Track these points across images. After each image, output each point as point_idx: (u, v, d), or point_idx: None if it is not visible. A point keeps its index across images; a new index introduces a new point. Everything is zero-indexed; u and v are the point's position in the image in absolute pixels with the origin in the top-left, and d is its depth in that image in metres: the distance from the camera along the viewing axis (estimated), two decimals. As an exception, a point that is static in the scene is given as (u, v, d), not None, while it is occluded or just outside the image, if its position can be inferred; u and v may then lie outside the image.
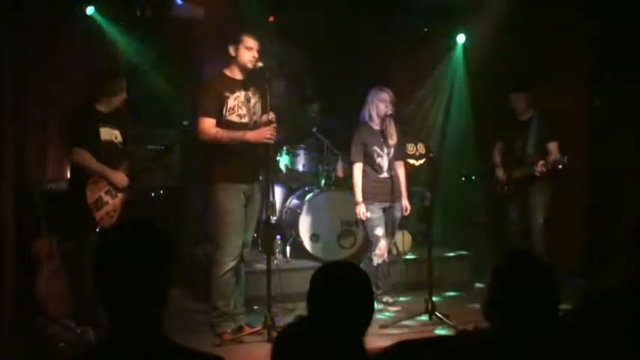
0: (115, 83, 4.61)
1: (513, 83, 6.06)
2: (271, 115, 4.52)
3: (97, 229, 4.40)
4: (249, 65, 4.50)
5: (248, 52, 4.48)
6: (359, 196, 5.31)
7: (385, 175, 5.37)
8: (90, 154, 4.45)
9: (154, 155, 5.64)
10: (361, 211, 5.29)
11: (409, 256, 6.35)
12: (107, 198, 4.51)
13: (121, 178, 4.56)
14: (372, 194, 5.33)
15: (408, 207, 5.46)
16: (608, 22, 6.15)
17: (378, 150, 5.35)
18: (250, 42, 4.49)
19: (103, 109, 4.59)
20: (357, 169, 5.35)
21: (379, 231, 5.29)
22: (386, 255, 5.35)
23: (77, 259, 4.44)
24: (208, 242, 5.97)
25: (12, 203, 4.04)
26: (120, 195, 4.58)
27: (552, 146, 5.75)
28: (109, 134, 4.58)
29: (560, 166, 5.48)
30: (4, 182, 4.03)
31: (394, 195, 5.36)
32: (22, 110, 5.08)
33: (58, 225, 4.73)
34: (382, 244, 5.28)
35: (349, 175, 5.62)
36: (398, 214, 5.44)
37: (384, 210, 5.37)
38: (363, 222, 5.40)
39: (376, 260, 5.28)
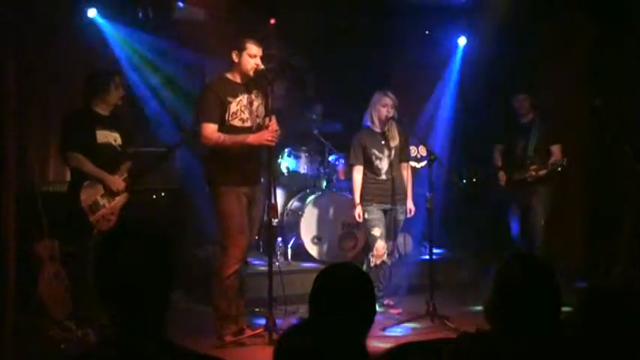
0: (106, 81, 4.59)
1: (517, 85, 6.07)
2: (272, 122, 4.52)
3: (94, 232, 4.41)
4: (251, 72, 4.50)
5: (251, 59, 4.48)
6: (357, 198, 5.34)
7: (384, 177, 5.36)
8: (84, 158, 4.47)
9: (156, 157, 5.64)
10: (358, 212, 5.31)
11: (410, 259, 6.36)
12: (103, 201, 4.51)
13: (116, 182, 4.57)
14: (371, 195, 5.33)
15: (413, 209, 5.43)
16: (607, 24, 6.15)
17: (377, 152, 5.35)
18: (254, 49, 4.48)
19: (101, 110, 4.59)
20: (356, 171, 5.37)
21: (376, 231, 5.28)
22: (385, 257, 5.33)
23: (77, 261, 4.45)
24: (209, 244, 5.98)
25: (13, 205, 4.03)
26: (118, 198, 4.58)
27: (555, 149, 5.76)
28: (107, 137, 4.58)
29: (559, 169, 5.50)
30: (5, 184, 4.02)
31: (395, 197, 5.35)
32: (24, 112, 5.08)
33: (59, 227, 4.73)
34: (379, 245, 5.25)
35: (350, 177, 5.62)
36: (401, 217, 5.41)
37: (385, 212, 5.37)
38: (362, 223, 5.40)
39: (373, 261, 5.27)
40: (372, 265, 5.25)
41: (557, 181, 5.82)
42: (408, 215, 5.44)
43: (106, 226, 4.45)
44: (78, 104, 5.09)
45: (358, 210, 5.32)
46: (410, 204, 5.42)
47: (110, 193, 4.54)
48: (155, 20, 6.32)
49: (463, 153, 7.28)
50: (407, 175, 5.44)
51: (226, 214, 4.49)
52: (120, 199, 4.60)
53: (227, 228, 4.49)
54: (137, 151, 5.18)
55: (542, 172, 5.64)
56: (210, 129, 4.44)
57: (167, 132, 6.35)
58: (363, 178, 5.36)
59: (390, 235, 5.41)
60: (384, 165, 5.36)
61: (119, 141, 4.65)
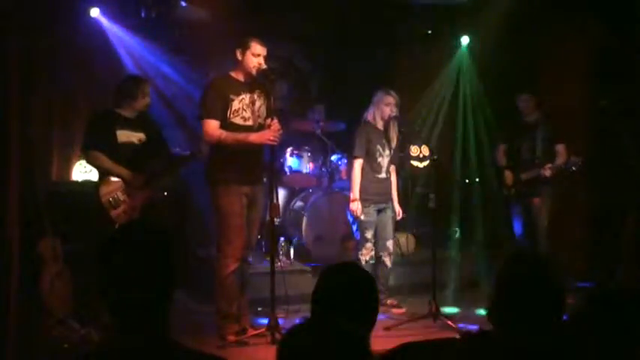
0: (136, 87, 4.70)
1: (521, 85, 6.06)
2: (274, 122, 4.51)
3: (116, 228, 4.45)
4: (253, 71, 4.50)
5: (254, 58, 4.48)
6: (356, 193, 5.28)
7: (383, 175, 5.38)
8: (102, 155, 4.56)
9: (178, 160, 5.70)
10: (357, 207, 5.27)
11: (413, 258, 6.35)
12: (124, 197, 4.58)
13: (134, 178, 4.62)
14: (370, 195, 5.32)
15: (401, 211, 5.49)
16: (613, 22, 6.14)
17: (381, 149, 5.35)
18: (258, 48, 4.48)
19: (126, 113, 4.67)
20: (358, 164, 5.32)
21: (369, 234, 5.32)
22: (387, 259, 5.37)
23: (87, 257, 4.46)
24: (210, 243, 5.98)
25: (16, 204, 4.04)
26: (140, 194, 4.64)
27: (560, 148, 5.75)
28: (129, 136, 4.66)
29: (574, 168, 5.47)
30: (8, 182, 4.03)
31: (390, 196, 5.41)
32: (28, 110, 5.09)
33: (72, 224, 4.78)
34: (368, 245, 5.31)
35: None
36: (394, 215, 5.46)
37: (379, 211, 5.38)
38: (359, 221, 5.37)
39: (363, 259, 5.29)
40: (364, 263, 5.27)
41: (561, 181, 5.81)
42: (398, 218, 5.49)
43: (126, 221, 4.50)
44: (81, 103, 5.13)
45: (357, 205, 5.27)
46: (397, 207, 5.46)
47: (131, 189, 4.60)
48: (158, 20, 6.33)
49: (466, 152, 7.27)
50: (394, 178, 5.51)
51: (225, 213, 4.49)
52: (141, 195, 4.65)
53: (224, 227, 4.49)
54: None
55: (557, 171, 5.61)
56: (213, 125, 4.44)
57: (169, 132, 6.35)
58: (363, 175, 5.33)
59: (388, 233, 5.42)
60: (384, 162, 5.38)
61: (144, 140, 4.72)
